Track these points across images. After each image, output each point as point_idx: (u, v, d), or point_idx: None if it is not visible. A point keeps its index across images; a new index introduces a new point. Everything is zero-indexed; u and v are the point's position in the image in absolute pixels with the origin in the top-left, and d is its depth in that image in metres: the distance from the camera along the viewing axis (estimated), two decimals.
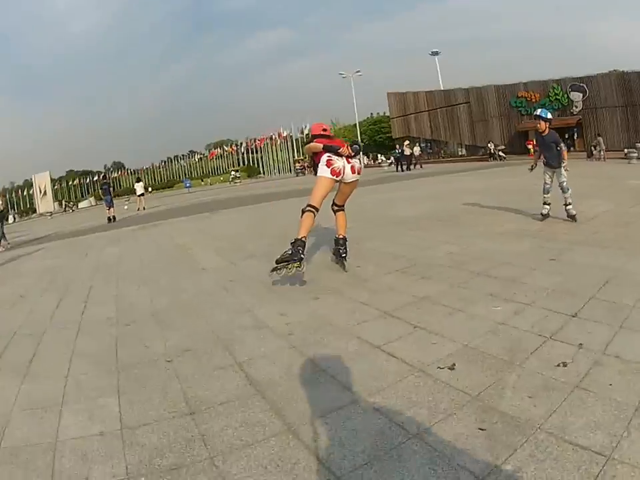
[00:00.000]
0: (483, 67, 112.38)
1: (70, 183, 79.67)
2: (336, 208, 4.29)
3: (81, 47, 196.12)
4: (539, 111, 5.70)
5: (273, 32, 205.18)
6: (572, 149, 32.44)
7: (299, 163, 49.79)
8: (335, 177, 3.93)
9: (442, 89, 43.61)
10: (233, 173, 54.65)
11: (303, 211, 3.85)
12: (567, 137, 33.30)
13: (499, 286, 3.44)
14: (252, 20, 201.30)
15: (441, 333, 2.67)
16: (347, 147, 3.96)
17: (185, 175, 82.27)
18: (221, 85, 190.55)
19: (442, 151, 42.28)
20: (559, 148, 5.71)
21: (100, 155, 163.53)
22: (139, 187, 21.23)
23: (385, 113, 62.56)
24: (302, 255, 3.63)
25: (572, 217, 5.62)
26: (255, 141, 71.88)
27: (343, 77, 43.63)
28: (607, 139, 25.78)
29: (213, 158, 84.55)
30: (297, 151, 60.30)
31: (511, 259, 4.19)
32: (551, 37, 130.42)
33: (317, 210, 3.88)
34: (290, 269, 3.61)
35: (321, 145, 4.00)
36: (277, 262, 3.65)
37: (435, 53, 49.35)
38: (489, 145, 32.71)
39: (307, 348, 2.64)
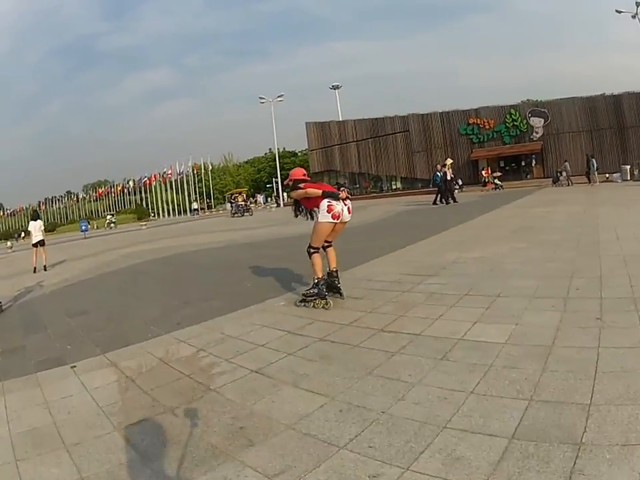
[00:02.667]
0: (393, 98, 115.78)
1: None
2: (326, 244, 4.60)
3: None
4: None
5: (152, 72, 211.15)
6: (529, 176, 30.75)
7: (239, 196, 33.98)
8: (335, 221, 4.37)
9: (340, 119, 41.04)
10: (108, 217, 48.97)
11: (310, 253, 4.49)
12: (523, 164, 31.60)
13: None
14: (132, 60, 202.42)
15: None
16: (344, 191, 4.45)
17: (65, 217, 75.03)
18: (97, 124, 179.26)
19: (370, 185, 38.02)
20: None
21: None
22: (36, 230, 11.84)
23: (284, 148, 60.77)
24: (325, 293, 4.40)
25: None
26: (142, 180, 64.14)
27: (262, 102, 39.74)
28: (570, 165, 24.04)
29: (96, 199, 75.74)
30: (193, 191, 54.52)
31: None
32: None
33: (319, 249, 4.54)
34: (317, 304, 4.35)
35: (320, 191, 4.40)
36: (304, 296, 4.48)
37: (336, 87, 48.26)
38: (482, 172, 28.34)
39: None
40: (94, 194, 76.87)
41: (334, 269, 4.56)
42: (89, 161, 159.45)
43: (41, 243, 11.54)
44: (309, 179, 4.82)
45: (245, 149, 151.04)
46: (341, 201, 4.39)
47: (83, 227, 34.01)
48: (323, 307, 4.28)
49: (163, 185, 57.76)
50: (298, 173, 4.82)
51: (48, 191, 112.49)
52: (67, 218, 74.11)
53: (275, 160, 57.38)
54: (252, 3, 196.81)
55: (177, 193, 54.46)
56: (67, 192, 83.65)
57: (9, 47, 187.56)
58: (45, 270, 11.00)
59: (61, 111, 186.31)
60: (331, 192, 4.39)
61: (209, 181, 54.90)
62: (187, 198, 53.26)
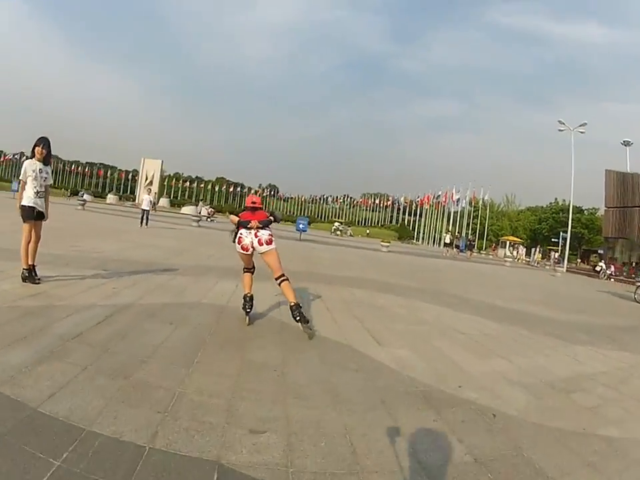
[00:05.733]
0: None
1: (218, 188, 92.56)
2: (277, 281, 5.21)
3: (252, 70, 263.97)
4: None
5: (440, 101, 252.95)
6: None
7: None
8: (245, 252, 5.22)
9: None
10: (336, 224, 53.91)
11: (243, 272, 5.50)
12: None
13: None
14: (421, 86, 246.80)
15: None
16: (256, 221, 5.15)
17: (335, 216, 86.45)
18: (381, 139, 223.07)
19: None
20: None
21: (252, 174, 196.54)
22: (33, 181, 5.86)
23: (565, 202, 59.65)
24: (247, 310, 5.31)
25: None
26: (415, 200, 70.98)
27: (561, 130, 39.16)
28: None
29: (364, 208, 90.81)
30: (465, 225, 56.01)
31: None
32: None
33: (249, 269, 5.48)
34: (245, 319, 5.29)
35: (237, 219, 5.31)
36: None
37: (627, 143, 46.48)
38: None
39: None
40: (367, 202, 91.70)
41: (291, 304, 5.02)
42: (370, 171, 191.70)
43: (38, 215, 5.92)
44: (256, 206, 5.35)
45: (525, 193, 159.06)
46: (253, 232, 5.13)
47: (300, 226, 29.43)
48: (247, 320, 5.22)
49: (435, 210, 62.85)
50: (248, 200, 5.45)
51: (325, 190, 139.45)
52: (338, 217, 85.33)
53: (559, 212, 58.11)
54: (533, 47, 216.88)
55: (449, 222, 57.77)
56: (344, 195, 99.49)
57: (300, 53, 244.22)
58: (29, 276, 5.76)
59: (347, 121, 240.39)
60: (243, 221, 5.18)
61: (485, 219, 57.08)
62: (457, 230, 53.96)
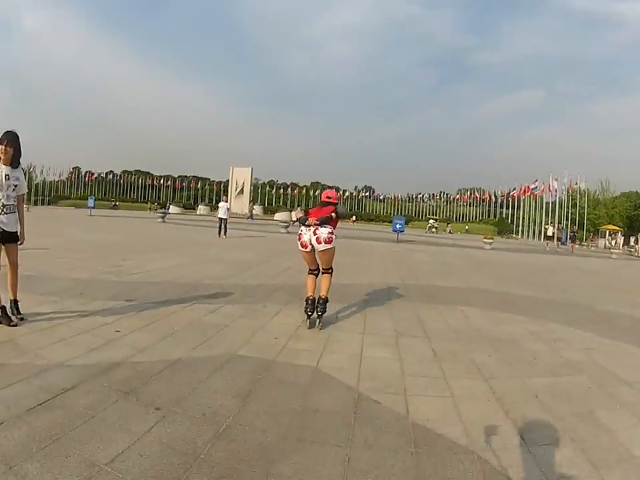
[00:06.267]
0: None
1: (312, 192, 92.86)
2: (322, 271, 5.30)
3: (335, 73, 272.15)
4: None
5: (522, 93, 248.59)
6: None
7: None
8: (304, 249, 5.15)
9: None
10: (431, 221, 54.27)
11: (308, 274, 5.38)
12: None
13: None
14: (500, 78, 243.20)
15: None
16: (313, 219, 5.09)
17: (432, 213, 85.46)
18: (471, 134, 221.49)
19: None
20: None
21: (348, 176, 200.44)
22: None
23: None
24: (309, 312, 5.07)
25: None
26: (510, 193, 68.17)
27: None
28: None
29: (462, 203, 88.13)
30: (564, 216, 52.48)
31: None
32: None
33: (314, 271, 5.36)
34: (306, 322, 5.13)
35: (295, 216, 5.48)
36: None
37: None
38: None
39: None
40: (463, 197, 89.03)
41: (322, 296, 5.13)
42: (464, 166, 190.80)
43: (5, 237, 4.40)
44: (331, 201, 5.41)
45: (616, 179, 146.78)
46: (312, 230, 5.09)
47: (397, 226, 27.17)
48: (308, 325, 5.11)
49: (532, 202, 58.87)
50: (324, 194, 5.57)
51: (420, 188, 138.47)
52: (435, 214, 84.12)
53: None
54: (606, 31, 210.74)
55: (547, 214, 53.55)
56: (440, 192, 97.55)
57: (379, 53, 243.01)
58: (4, 316, 4.41)
59: (435, 118, 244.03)
60: (302, 219, 5.21)
61: (583, 208, 52.28)
62: (557, 221, 50.03)
